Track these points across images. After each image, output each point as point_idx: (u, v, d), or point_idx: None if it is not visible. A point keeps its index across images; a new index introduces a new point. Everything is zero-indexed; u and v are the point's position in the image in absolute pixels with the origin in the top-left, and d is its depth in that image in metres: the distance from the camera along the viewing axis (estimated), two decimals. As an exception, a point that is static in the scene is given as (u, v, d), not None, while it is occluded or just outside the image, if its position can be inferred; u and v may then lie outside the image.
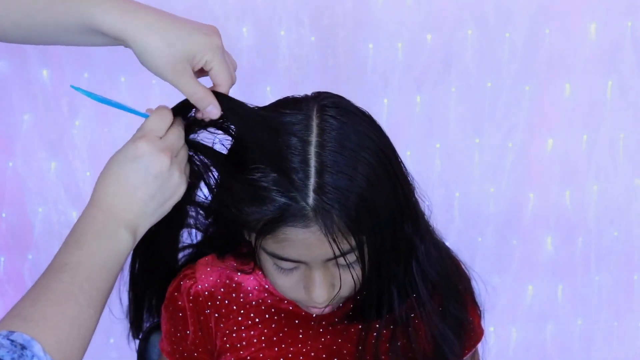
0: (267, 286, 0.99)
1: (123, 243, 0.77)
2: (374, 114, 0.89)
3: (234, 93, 0.85)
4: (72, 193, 1.63)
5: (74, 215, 1.63)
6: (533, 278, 1.74)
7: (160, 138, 0.80)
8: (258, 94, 1.55)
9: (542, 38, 1.57)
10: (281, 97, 0.89)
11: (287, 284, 0.89)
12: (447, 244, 1.04)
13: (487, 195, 1.68)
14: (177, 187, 0.81)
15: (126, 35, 0.78)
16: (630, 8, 1.56)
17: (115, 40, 0.80)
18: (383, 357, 0.95)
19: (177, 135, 0.82)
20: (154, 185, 0.78)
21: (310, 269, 0.85)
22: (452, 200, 1.68)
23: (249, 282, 1.00)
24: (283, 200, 0.80)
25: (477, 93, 1.60)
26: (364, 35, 1.56)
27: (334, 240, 0.80)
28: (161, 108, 0.82)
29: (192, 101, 0.82)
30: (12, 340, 0.65)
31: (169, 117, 0.82)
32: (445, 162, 1.65)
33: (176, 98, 0.87)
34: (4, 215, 1.64)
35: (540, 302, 1.75)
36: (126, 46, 0.81)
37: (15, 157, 1.60)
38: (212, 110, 0.82)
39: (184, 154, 0.83)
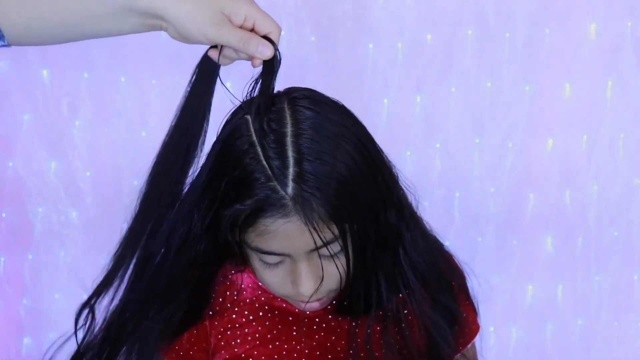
0: (260, 284, 0.99)
1: None
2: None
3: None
4: (72, 193, 1.63)
5: (74, 215, 1.63)
6: (533, 278, 1.74)
7: None
8: (258, 94, 1.55)
9: (542, 38, 1.57)
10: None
11: (274, 280, 0.89)
12: (447, 244, 1.04)
13: (487, 195, 1.67)
14: None
15: (158, 6, 0.78)
16: (630, 8, 1.56)
17: (148, 17, 0.80)
18: (377, 353, 0.95)
19: None
20: None
21: (295, 262, 0.85)
22: (452, 200, 1.67)
23: (243, 279, 1.00)
24: (262, 191, 0.79)
25: (477, 93, 1.60)
26: (364, 35, 1.55)
27: (315, 229, 0.79)
28: None
29: (240, 48, 0.80)
30: None
31: None
32: (445, 162, 1.64)
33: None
34: (4, 215, 1.64)
35: (540, 302, 1.75)
36: (160, 26, 0.80)
37: (15, 157, 1.60)
38: (263, 49, 0.81)
39: None
